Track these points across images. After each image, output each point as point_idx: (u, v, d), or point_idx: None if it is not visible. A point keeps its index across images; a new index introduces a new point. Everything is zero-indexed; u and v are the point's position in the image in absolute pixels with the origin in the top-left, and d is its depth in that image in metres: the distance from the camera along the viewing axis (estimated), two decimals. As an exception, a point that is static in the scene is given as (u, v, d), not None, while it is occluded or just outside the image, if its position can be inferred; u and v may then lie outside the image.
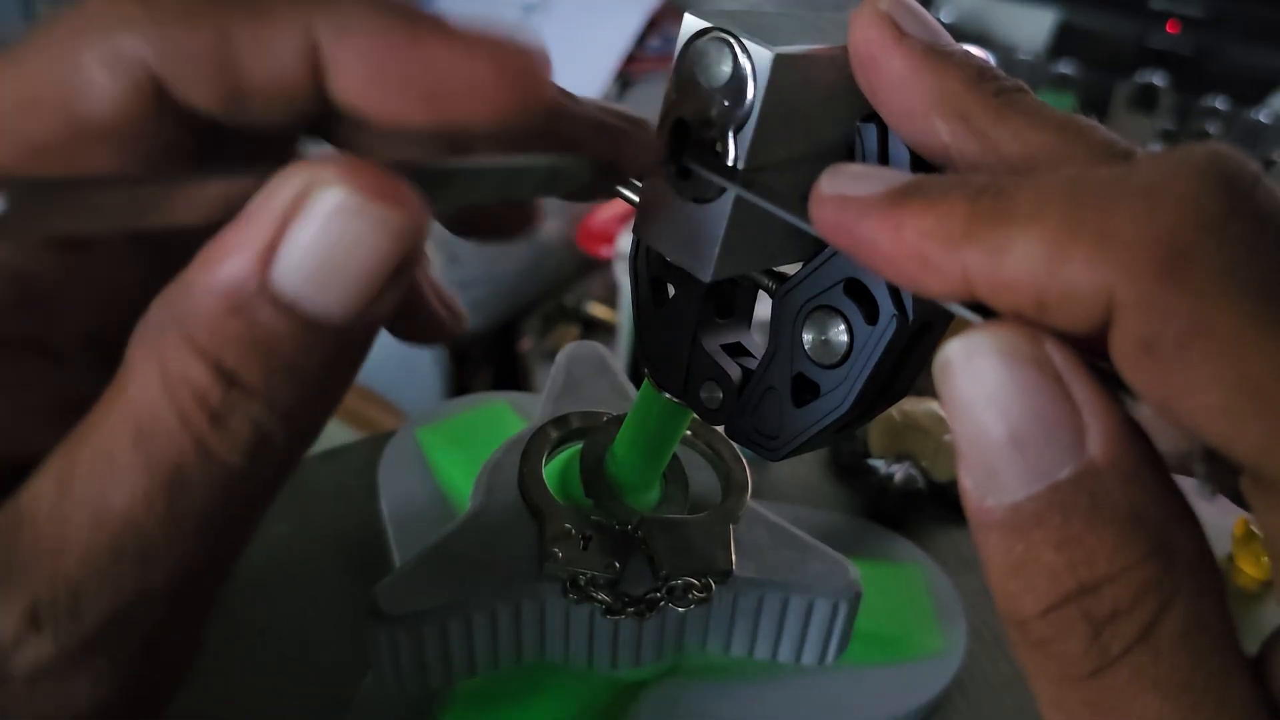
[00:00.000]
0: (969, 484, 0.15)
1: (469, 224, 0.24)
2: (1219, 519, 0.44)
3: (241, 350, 0.15)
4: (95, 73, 0.15)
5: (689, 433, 0.34)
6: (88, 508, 0.15)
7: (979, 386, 0.15)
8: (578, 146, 0.20)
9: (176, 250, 0.16)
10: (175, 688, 0.18)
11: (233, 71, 0.15)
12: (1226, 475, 0.15)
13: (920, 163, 0.20)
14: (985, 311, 0.16)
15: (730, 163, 0.20)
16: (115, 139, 0.15)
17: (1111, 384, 0.15)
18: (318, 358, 0.16)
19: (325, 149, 0.17)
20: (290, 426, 0.16)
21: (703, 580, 0.30)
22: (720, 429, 0.34)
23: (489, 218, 0.24)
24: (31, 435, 0.16)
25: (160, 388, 0.15)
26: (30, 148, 0.15)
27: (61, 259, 0.16)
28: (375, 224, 0.15)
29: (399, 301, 0.16)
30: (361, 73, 0.15)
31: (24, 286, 0.16)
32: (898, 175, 0.16)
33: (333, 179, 0.15)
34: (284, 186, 0.15)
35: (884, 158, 0.21)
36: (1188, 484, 0.15)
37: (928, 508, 0.45)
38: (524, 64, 0.15)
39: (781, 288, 0.23)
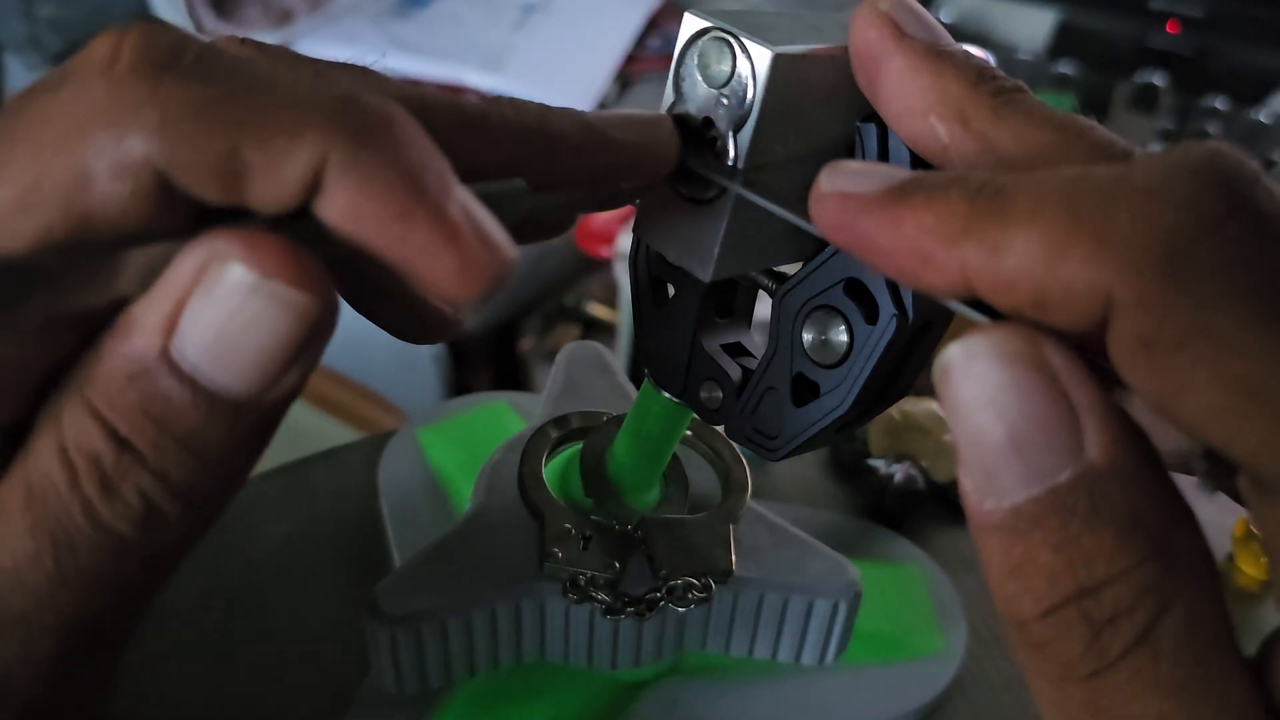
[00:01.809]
0: (969, 486, 0.15)
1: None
2: (1219, 519, 0.44)
3: (136, 418, 0.15)
4: (101, 175, 0.14)
5: (689, 433, 0.34)
6: None
7: (978, 389, 0.15)
8: (583, 177, 0.19)
9: (102, 326, 0.16)
10: None
11: (239, 180, 0.14)
12: (1226, 474, 0.15)
13: (920, 163, 0.20)
14: (985, 309, 0.16)
15: (730, 163, 0.20)
16: (117, 233, 0.15)
17: (1111, 384, 0.15)
18: (216, 433, 0.15)
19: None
20: (182, 501, 0.16)
21: (703, 580, 0.30)
22: (720, 429, 0.34)
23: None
24: None
25: (55, 450, 0.15)
26: (32, 243, 0.15)
27: None
28: (273, 303, 0.15)
29: (305, 380, 0.16)
30: (345, 213, 0.15)
31: None
32: (897, 172, 0.16)
33: (233, 253, 0.14)
34: (188, 258, 0.15)
35: (884, 158, 0.21)
36: (1187, 483, 0.15)
37: (928, 508, 0.45)
38: (492, 268, 0.15)
39: (781, 288, 0.23)
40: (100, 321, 0.16)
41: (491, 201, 0.17)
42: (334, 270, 0.15)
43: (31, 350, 0.16)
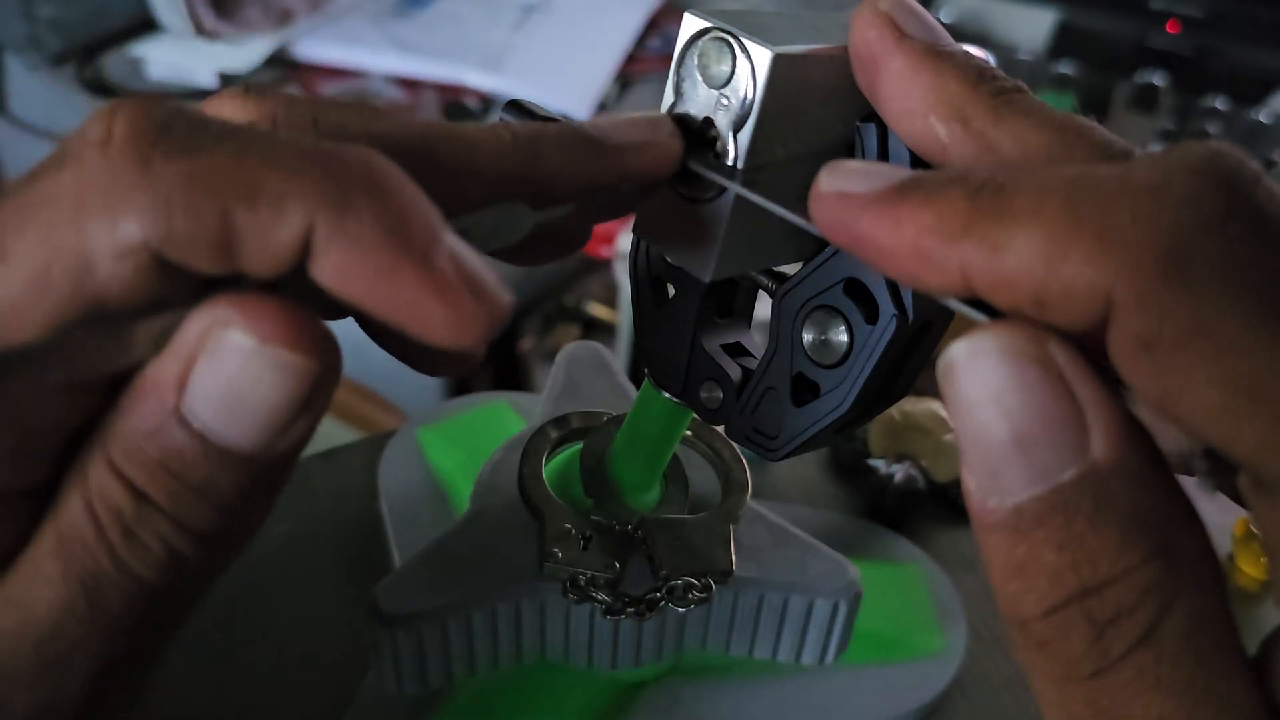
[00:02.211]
0: (972, 484, 0.15)
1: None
2: (1219, 519, 0.44)
3: (153, 471, 0.16)
4: (102, 258, 0.15)
5: (689, 433, 0.34)
6: (14, 613, 0.16)
7: (982, 387, 0.15)
8: (585, 188, 0.20)
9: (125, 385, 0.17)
10: None
11: (231, 249, 0.15)
12: (1226, 473, 0.15)
13: (920, 163, 0.20)
14: (985, 308, 0.16)
15: (730, 163, 0.20)
16: (125, 309, 0.16)
17: (1115, 384, 0.15)
18: (229, 482, 0.16)
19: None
20: (201, 545, 0.17)
21: (703, 580, 0.30)
22: (720, 429, 0.34)
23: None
24: None
25: (81, 503, 0.16)
26: (47, 323, 0.15)
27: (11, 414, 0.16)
28: (272, 366, 0.16)
29: (313, 430, 0.17)
30: (336, 274, 0.15)
31: None
32: (897, 171, 0.16)
33: (232, 319, 0.15)
34: (193, 324, 0.16)
35: (884, 158, 0.21)
36: (1188, 482, 0.15)
37: (928, 508, 0.45)
38: (483, 317, 0.16)
39: (781, 288, 0.23)
40: (119, 384, 0.17)
41: (493, 228, 0.17)
42: (347, 309, 0.16)
43: (57, 415, 0.16)
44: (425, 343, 0.16)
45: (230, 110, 0.19)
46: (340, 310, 0.16)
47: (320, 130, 0.18)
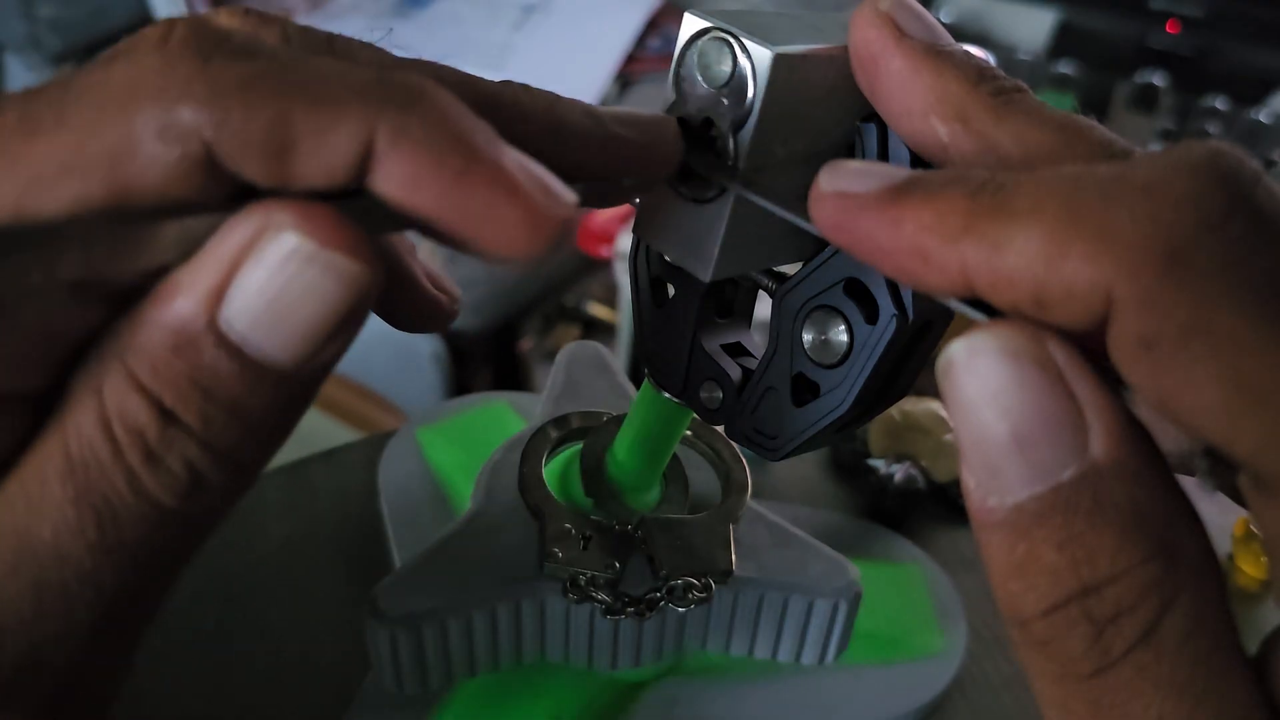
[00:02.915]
0: (971, 483, 0.15)
1: None
2: (1219, 519, 0.44)
3: (182, 389, 0.15)
4: (148, 141, 0.14)
5: (689, 433, 0.34)
6: (11, 539, 0.15)
7: (982, 386, 0.15)
8: (586, 170, 0.19)
9: (136, 295, 0.16)
10: None
11: (287, 155, 0.14)
12: (1226, 472, 0.15)
13: (920, 163, 0.20)
14: (985, 308, 0.16)
15: (730, 163, 0.20)
16: (157, 204, 0.15)
17: (1115, 383, 0.15)
18: (261, 401, 0.15)
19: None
20: (227, 469, 0.16)
21: (703, 580, 0.30)
22: (720, 429, 0.34)
23: None
24: None
25: (97, 421, 0.15)
26: (69, 207, 0.15)
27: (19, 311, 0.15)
28: (327, 272, 0.15)
29: (345, 351, 0.16)
30: (403, 183, 0.15)
31: None
32: (897, 171, 0.16)
33: (288, 223, 0.14)
34: (239, 227, 0.15)
35: (884, 158, 0.21)
36: (1188, 482, 0.15)
37: (928, 508, 0.45)
38: (555, 217, 0.15)
39: (781, 288, 0.23)
40: (134, 290, 0.16)
41: None
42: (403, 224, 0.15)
43: (62, 317, 0.15)
44: (494, 252, 0.15)
45: (232, 23, 0.17)
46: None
47: (335, 51, 0.18)
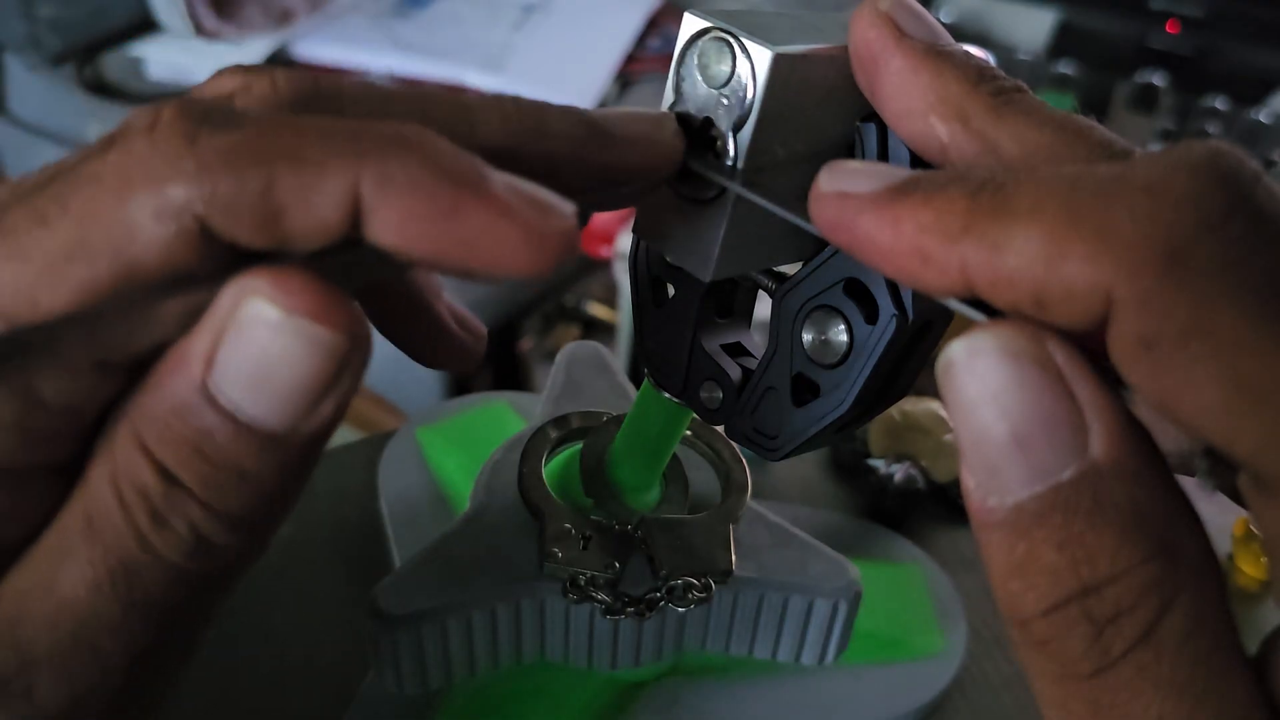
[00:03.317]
0: (971, 484, 0.15)
1: None
2: (1219, 519, 0.44)
3: (182, 453, 0.15)
4: (145, 223, 0.15)
5: (689, 433, 0.34)
6: (44, 596, 0.16)
7: (981, 386, 0.15)
8: (587, 175, 0.20)
9: (150, 363, 0.16)
10: None
11: (276, 218, 0.15)
12: (1226, 472, 0.15)
13: (920, 163, 0.20)
14: (985, 308, 0.16)
15: (730, 163, 0.20)
16: (161, 281, 0.15)
17: (1114, 383, 0.15)
18: (259, 463, 0.16)
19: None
20: (232, 530, 0.16)
21: (703, 580, 0.30)
22: (720, 429, 0.34)
23: None
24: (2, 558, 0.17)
25: (108, 483, 0.16)
26: (80, 291, 0.15)
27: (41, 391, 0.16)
28: (299, 339, 0.15)
29: (343, 411, 0.16)
30: (398, 228, 0.15)
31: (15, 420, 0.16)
32: (897, 171, 0.16)
33: (261, 289, 0.15)
34: (225, 296, 0.15)
35: (884, 158, 0.21)
36: (1188, 482, 0.15)
37: (928, 508, 0.45)
38: (556, 231, 0.15)
39: (781, 288, 0.23)
40: (146, 362, 0.16)
41: None
42: (363, 300, 0.16)
43: (83, 392, 0.16)
44: (502, 276, 0.15)
45: (230, 84, 0.18)
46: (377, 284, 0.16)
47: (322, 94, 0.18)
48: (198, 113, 0.15)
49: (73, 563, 0.16)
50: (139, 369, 0.16)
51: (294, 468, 0.16)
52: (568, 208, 0.16)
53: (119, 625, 0.16)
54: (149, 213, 0.15)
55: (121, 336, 0.16)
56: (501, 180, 0.15)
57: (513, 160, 0.18)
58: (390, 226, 0.15)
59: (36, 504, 0.16)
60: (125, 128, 0.15)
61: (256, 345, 0.15)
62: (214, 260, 0.15)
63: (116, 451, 0.16)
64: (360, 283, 0.16)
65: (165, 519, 0.16)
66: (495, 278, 0.15)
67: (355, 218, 0.15)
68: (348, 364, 0.15)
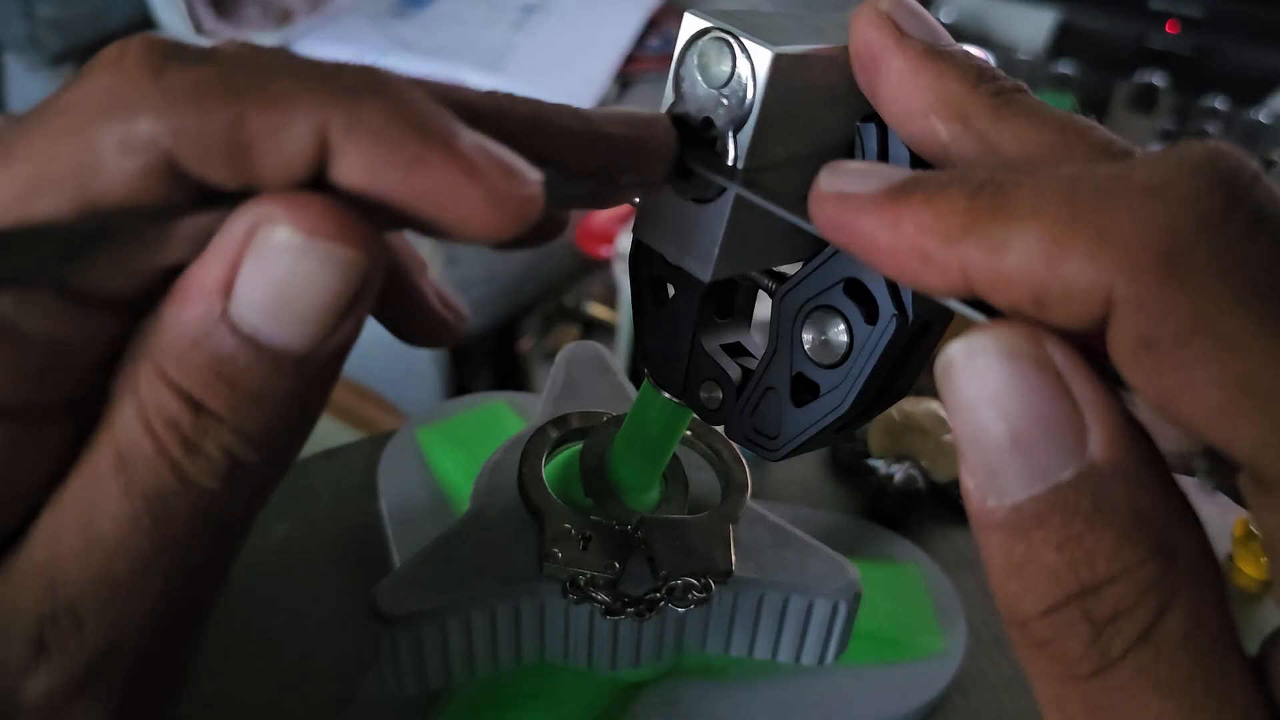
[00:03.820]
0: (970, 484, 0.15)
1: None
2: (1219, 519, 0.44)
3: (207, 380, 0.16)
4: (110, 155, 0.15)
5: (689, 433, 0.34)
6: (78, 535, 0.16)
7: (981, 387, 0.15)
8: (580, 171, 0.20)
9: (158, 295, 0.16)
10: (167, 711, 0.19)
11: (244, 154, 0.15)
12: (1226, 473, 0.15)
13: (920, 163, 0.20)
14: (984, 308, 0.16)
15: (730, 163, 0.20)
16: (129, 208, 0.15)
17: (1114, 383, 0.15)
18: (283, 385, 0.16)
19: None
20: (262, 450, 0.16)
21: (703, 580, 0.30)
22: (720, 429, 0.34)
23: None
24: (17, 504, 0.17)
25: (137, 417, 0.16)
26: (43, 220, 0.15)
27: (50, 321, 0.16)
28: (321, 260, 0.15)
29: (361, 326, 0.16)
30: (362, 172, 0.15)
31: (23, 352, 0.16)
32: (897, 172, 0.16)
33: (278, 216, 0.15)
34: (236, 223, 0.15)
35: (884, 158, 0.21)
36: (1187, 482, 0.15)
37: (928, 508, 0.45)
38: (519, 196, 0.16)
39: (781, 288, 0.23)
40: (155, 289, 0.16)
41: None
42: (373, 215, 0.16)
43: (89, 326, 0.16)
44: (462, 234, 0.15)
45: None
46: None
47: None
48: (166, 48, 0.15)
49: (106, 500, 0.16)
50: (145, 301, 0.16)
51: (317, 384, 0.17)
52: (533, 174, 0.16)
53: (155, 558, 0.16)
54: (113, 145, 0.15)
55: (109, 269, 0.16)
56: (470, 138, 0.15)
57: (509, 144, 0.18)
58: (354, 170, 0.15)
59: (55, 448, 0.16)
60: (94, 61, 0.15)
61: (278, 269, 0.15)
62: (183, 194, 0.15)
63: (141, 387, 0.16)
64: None
65: (197, 445, 0.16)
66: (456, 235, 0.16)
67: (323, 158, 0.15)
68: (369, 281, 0.16)
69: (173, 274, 0.16)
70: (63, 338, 0.16)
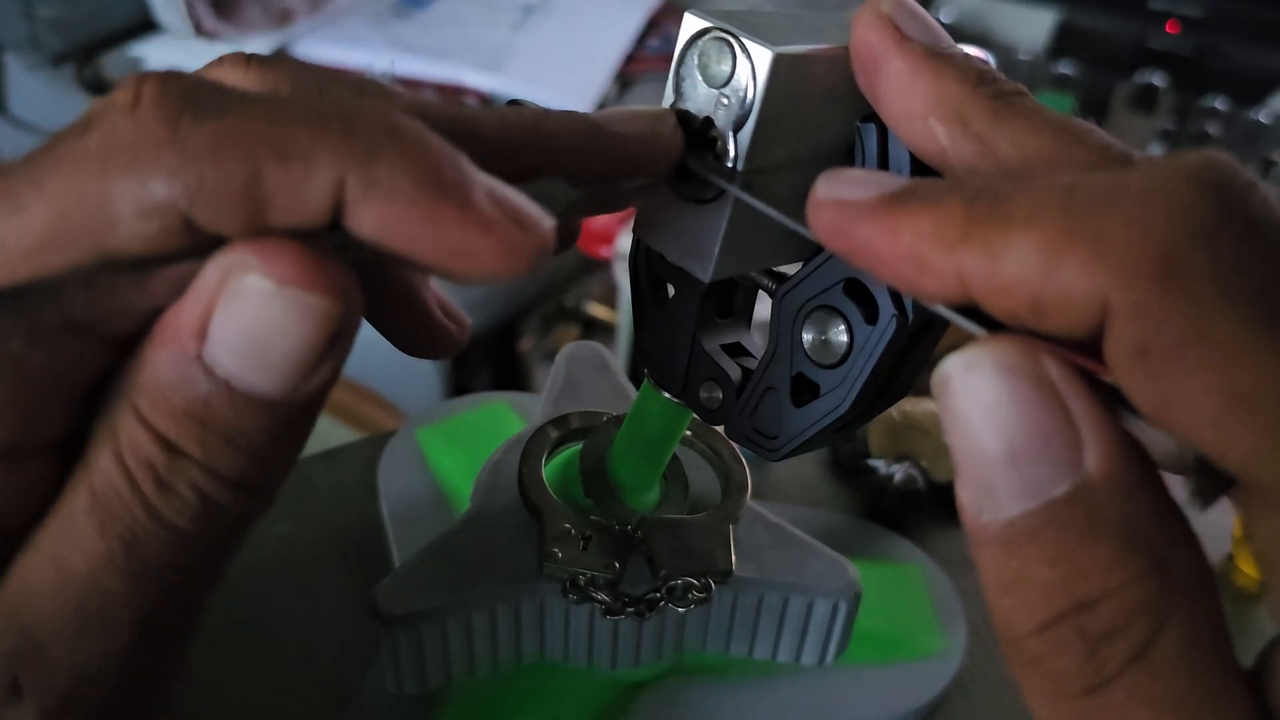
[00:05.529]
0: (965, 499, 0.15)
1: None
2: (1219, 519, 0.44)
3: (181, 422, 0.16)
4: (125, 216, 0.15)
5: (689, 433, 0.34)
6: (51, 574, 0.16)
7: (976, 402, 0.15)
8: (588, 176, 0.20)
9: (140, 335, 0.17)
10: None
11: (259, 209, 0.15)
12: (1215, 490, 0.15)
13: (920, 164, 0.20)
14: (981, 316, 0.16)
15: (730, 163, 0.20)
16: (140, 264, 0.16)
17: (1109, 398, 0.15)
18: (257, 428, 0.16)
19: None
20: (236, 490, 0.17)
21: (703, 580, 0.30)
22: (720, 429, 0.34)
23: None
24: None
25: (112, 457, 0.16)
26: (59, 272, 0.15)
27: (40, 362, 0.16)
28: (294, 307, 0.15)
29: (338, 372, 0.16)
30: (376, 228, 0.15)
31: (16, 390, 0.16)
32: (894, 179, 0.16)
33: (250, 263, 0.15)
34: (212, 269, 0.15)
35: (884, 159, 0.21)
36: (1180, 492, 0.15)
37: (928, 508, 0.45)
38: (531, 244, 0.16)
39: (781, 288, 0.23)
40: (137, 331, 0.16)
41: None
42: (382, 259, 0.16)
43: (71, 365, 0.16)
44: (477, 281, 0.16)
45: (231, 77, 0.18)
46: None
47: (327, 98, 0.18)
48: (182, 91, 0.15)
49: (80, 538, 0.16)
50: (130, 341, 0.16)
51: (292, 429, 0.17)
52: (546, 221, 0.16)
53: (127, 595, 0.16)
54: (130, 207, 0.15)
55: (108, 301, 0.16)
56: (483, 189, 0.16)
57: (513, 160, 0.18)
58: (368, 226, 0.15)
59: (37, 487, 0.17)
60: (105, 104, 0.15)
61: (249, 316, 0.15)
62: (197, 243, 0.15)
63: (118, 426, 0.16)
64: (345, 258, 0.16)
65: (170, 485, 0.16)
66: (468, 282, 0.16)
67: (338, 211, 0.15)
68: (342, 329, 0.16)
69: (155, 315, 0.16)
70: (62, 372, 0.16)
